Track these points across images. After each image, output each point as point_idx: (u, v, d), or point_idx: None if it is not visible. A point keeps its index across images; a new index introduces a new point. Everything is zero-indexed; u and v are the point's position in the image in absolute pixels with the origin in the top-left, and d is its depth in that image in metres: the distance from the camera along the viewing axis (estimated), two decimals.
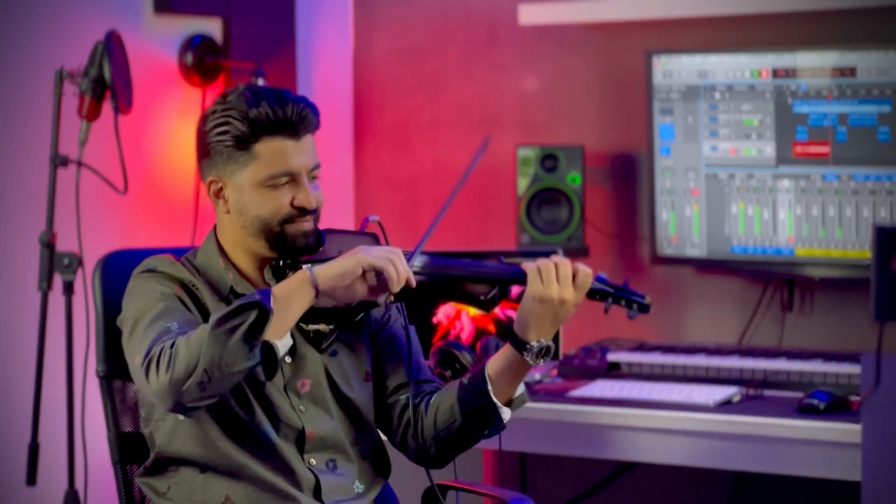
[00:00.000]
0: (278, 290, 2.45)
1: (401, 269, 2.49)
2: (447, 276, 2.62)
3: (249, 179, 2.59)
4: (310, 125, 2.61)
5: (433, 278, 2.62)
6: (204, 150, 2.62)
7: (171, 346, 2.40)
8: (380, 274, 2.50)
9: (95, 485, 3.61)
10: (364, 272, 2.48)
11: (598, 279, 2.62)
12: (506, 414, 2.64)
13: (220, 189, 2.62)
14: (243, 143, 2.57)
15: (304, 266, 2.48)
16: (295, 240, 2.61)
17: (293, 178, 2.60)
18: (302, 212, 2.60)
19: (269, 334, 2.41)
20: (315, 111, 2.61)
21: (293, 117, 2.58)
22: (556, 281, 2.56)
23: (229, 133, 2.57)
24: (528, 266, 2.58)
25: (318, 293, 2.46)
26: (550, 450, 3.42)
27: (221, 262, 2.65)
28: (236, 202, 2.61)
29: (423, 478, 2.69)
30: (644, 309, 2.62)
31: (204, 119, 2.62)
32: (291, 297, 2.45)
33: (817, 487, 3.61)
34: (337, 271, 2.47)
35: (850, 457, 3.01)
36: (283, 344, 2.46)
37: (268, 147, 2.58)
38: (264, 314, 2.38)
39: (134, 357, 2.47)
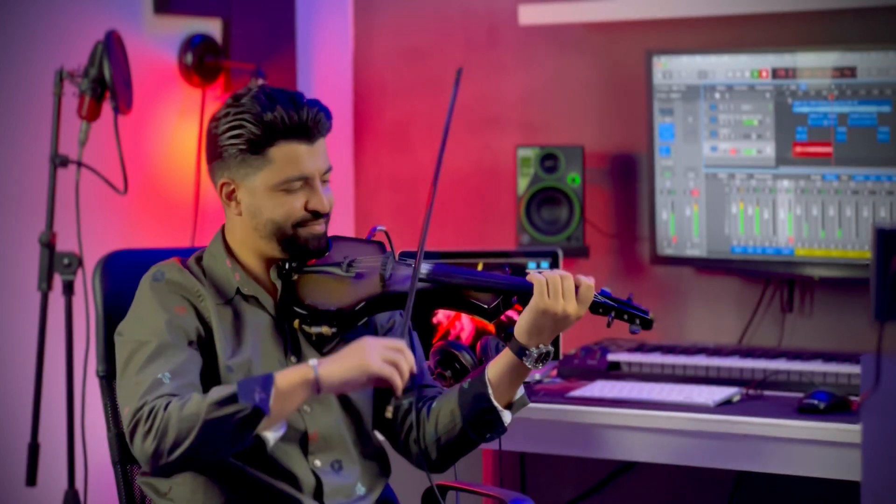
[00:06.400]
0: (281, 381, 2.40)
1: (405, 373, 2.44)
2: (452, 285, 2.62)
3: (263, 183, 2.58)
4: (323, 129, 2.62)
5: (437, 286, 2.62)
6: (216, 153, 2.61)
7: (165, 409, 2.39)
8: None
9: (95, 485, 3.61)
10: (368, 378, 2.45)
11: (602, 293, 2.63)
12: (506, 417, 2.64)
13: (233, 191, 2.61)
14: (257, 147, 2.56)
15: (310, 362, 2.43)
16: (307, 242, 2.62)
17: (307, 182, 2.60)
18: (315, 215, 2.61)
19: (262, 427, 2.41)
20: (328, 114, 2.62)
21: (308, 121, 2.58)
22: (561, 296, 2.56)
23: (243, 136, 2.56)
24: (536, 277, 2.57)
25: (319, 392, 2.45)
26: (550, 450, 3.42)
27: (228, 262, 2.65)
28: (249, 205, 2.60)
29: (424, 478, 2.69)
30: (647, 325, 2.62)
31: (216, 121, 2.60)
32: (292, 392, 2.41)
33: (817, 487, 3.61)
34: (342, 378, 2.43)
35: (850, 457, 3.01)
36: (273, 435, 2.45)
37: (282, 151, 2.57)
38: (259, 412, 2.37)
39: (123, 406, 2.48)
